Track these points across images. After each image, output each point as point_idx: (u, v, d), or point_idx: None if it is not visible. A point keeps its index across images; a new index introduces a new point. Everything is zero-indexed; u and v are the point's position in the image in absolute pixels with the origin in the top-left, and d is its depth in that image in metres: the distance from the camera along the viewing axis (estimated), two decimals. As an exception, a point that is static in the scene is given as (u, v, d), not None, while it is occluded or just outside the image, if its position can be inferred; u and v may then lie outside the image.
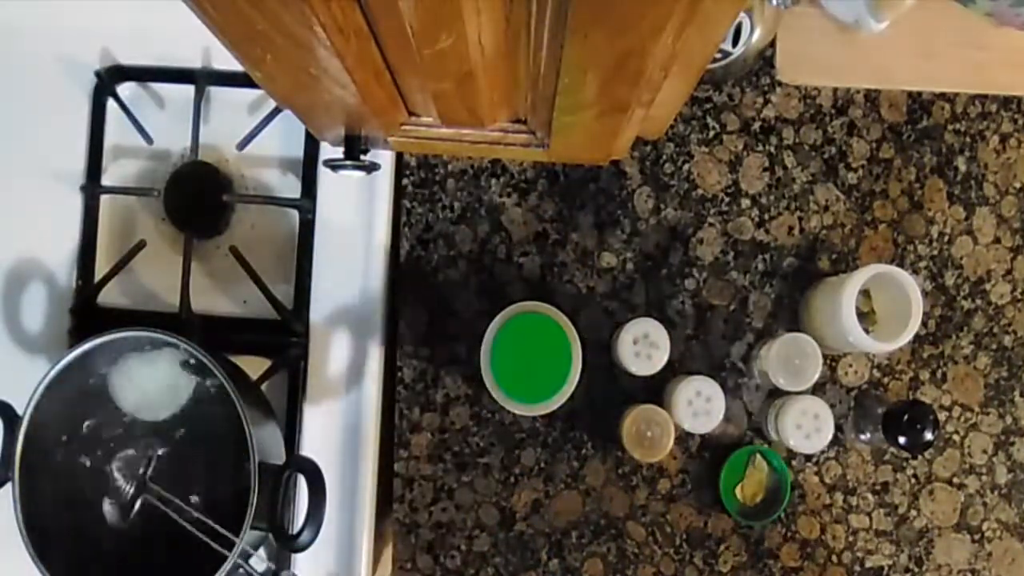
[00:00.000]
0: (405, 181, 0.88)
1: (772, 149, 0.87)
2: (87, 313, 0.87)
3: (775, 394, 0.83)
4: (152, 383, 0.79)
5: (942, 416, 0.85)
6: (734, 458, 0.84)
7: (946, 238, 0.86)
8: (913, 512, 0.85)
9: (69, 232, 0.88)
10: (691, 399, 0.80)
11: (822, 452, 0.84)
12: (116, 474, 0.78)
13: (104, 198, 0.88)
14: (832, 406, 0.80)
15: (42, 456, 0.74)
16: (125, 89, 0.88)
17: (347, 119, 0.52)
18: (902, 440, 0.78)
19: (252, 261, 0.85)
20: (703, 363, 0.86)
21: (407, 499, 0.86)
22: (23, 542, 0.71)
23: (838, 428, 0.80)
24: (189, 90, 0.87)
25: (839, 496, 0.85)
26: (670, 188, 0.87)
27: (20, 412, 0.72)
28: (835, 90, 0.87)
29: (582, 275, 0.87)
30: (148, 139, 0.88)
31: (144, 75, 0.89)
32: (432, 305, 0.87)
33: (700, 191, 0.87)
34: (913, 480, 0.85)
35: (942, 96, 0.87)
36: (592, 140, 0.48)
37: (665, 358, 0.80)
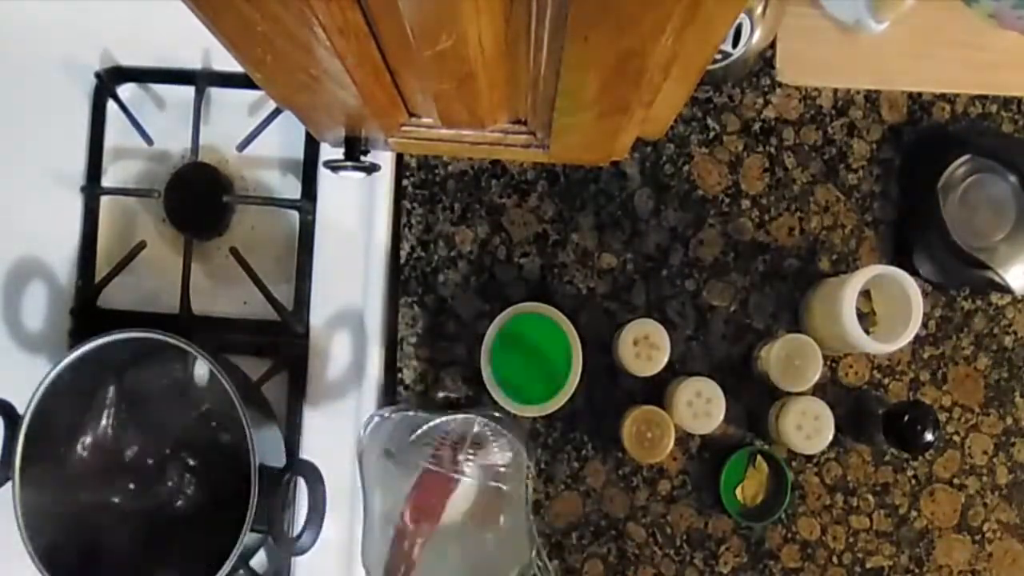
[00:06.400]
0: (405, 182, 0.88)
1: (772, 150, 0.87)
2: (87, 314, 0.87)
3: (775, 395, 0.83)
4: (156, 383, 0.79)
5: (942, 417, 0.85)
6: (734, 459, 0.84)
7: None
8: (913, 513, 0.85)
9: (69, 233, 0.88)
10: (691, 400, 0.79)
11: (822, 453, 0.84)
12: (116, 475, 0.78)
13: (104, 199, 0.88)
14: (832, 407, 0.80)
15: (42, 456, 0.74)
16: (125, 90, 0.88)
17: (347, 120, 0.52)
18: (902, 441, 0.78)
19: (252, 262, 0.85)
20: (703, 364, 0.86)
21: (407, 500, 0.86)
22: (23, 542, 0.71)
23: (838, 429, 0.80)
24: (189, 91, 0.87)
25: (839, 497, 0.85)
26: (670, 189, 0.87)
27: (21, 412, 0.72)
28: (835, 91, 0.87)
29: (582, 276, 0.87)
30: (148, 140, 0.88)
31: (144, 76, 0.89)
32: (432, 306, 0.87)
33: (700, 192, 0.87)
34: (913, 481, 0.85)
35: (942, 96, 0.87)
36: (592, 141, 0.48)
37: (665, 359, 0.80)
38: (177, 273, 0.84)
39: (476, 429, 0.78)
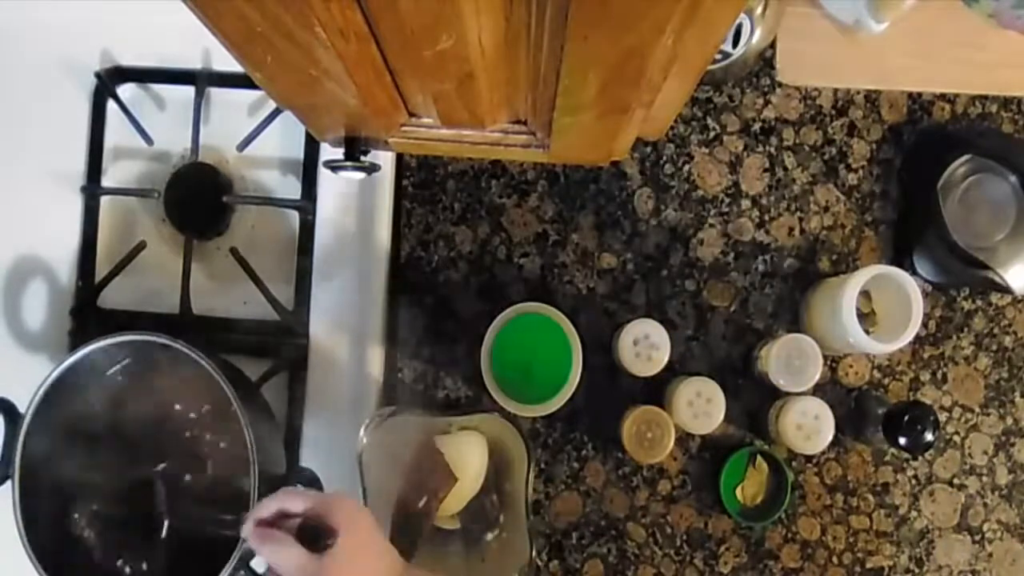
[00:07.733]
0: (405, 182, 0.88)
1: (772, 150, 0.87)
2: (88, 314, 0.87)
3: (776, 395, 0.83)
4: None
5: (942, 417, 0.85)
6: (735, 459, 0.84)
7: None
8: (914, 513, 0.85)
9: (69, 233, 0.88)
10: (691, 400, 0.79)
11: (822, 453, 0.84)
12: (116, 476, 0.78)
13: (104, 199, 0.88)
14: (832, 407, 0.80)
15: (43, 456, 0.74)
16: (125, 90, 0.88)
17: (347, 120, 0.52)
18: (902, 441, 0.78)
19: (252, 262, 0.85)
20: (703, 364, 0.86)
21: (407, 500, 0.86)
22: (22, 542, 0.71)
23: (838, 429, 0.80)
24: (189, 91, 0.87)
25: (839, 497, 0.85)
26: (670, 189, 0.87)
27: (22, 411, 0.72)
28: (835, 91, 0.87)
29: (582, 276, 0.87)
30: (148, 140, 0.88)
31: (144, 76, 0.89)
32: (432, 306, 0.87)
33: (700, 192, 0.87)
34: (913, 481, 0.85)
35: (942, 97, 0.87)
36: (592, 141, 0.48)
37: (665, 359, 0.80)
38: (177, 273, 0.84)
39: None
